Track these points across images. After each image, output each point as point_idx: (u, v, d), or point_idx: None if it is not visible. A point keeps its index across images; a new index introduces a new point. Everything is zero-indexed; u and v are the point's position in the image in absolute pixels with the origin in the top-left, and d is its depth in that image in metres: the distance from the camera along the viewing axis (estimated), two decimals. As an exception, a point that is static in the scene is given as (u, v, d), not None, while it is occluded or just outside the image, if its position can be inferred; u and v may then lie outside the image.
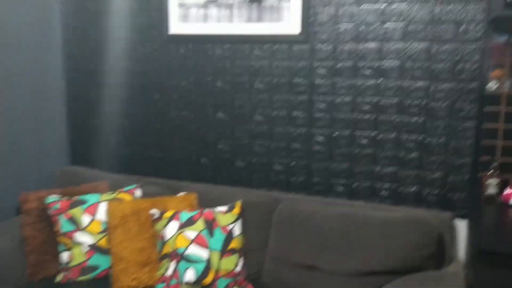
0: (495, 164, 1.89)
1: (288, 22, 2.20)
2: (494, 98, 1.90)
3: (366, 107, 2.13)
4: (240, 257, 2.00)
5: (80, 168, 2.56)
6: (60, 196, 2.11)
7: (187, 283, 1.88)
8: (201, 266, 1.89)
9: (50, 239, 2.09)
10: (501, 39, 1.85)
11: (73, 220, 2.05)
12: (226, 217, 2.02)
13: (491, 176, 1.87)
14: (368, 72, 2.11)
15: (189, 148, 2.52)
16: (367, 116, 2.14)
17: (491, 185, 1.86)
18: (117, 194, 2.14)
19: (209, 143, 2.47)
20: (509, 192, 1.82)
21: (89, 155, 2.75)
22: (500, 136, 1.91)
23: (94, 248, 2.03)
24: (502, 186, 1.86)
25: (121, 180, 2.41)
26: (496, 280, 1.47)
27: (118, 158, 2.68)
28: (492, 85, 1.89)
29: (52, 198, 2.08)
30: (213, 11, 2.33)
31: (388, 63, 2.06)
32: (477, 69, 1.92)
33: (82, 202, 2.08)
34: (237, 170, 2.43)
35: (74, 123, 2.76)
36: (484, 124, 1.93)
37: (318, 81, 2.20)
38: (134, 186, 2.21)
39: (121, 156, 2.67)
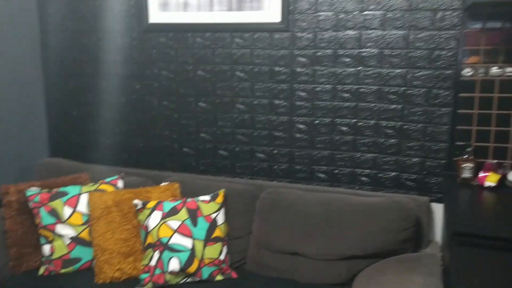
0: (470, 148, 1.94)
1: (269, 10, 2.21)
2: (469, 85, 1.95)
3: (346, 95, 2.16)
4: (224, 245, 2.02)
5: (60, 160, 2.54)
6: (40, 188, 2.09)
7: (171, 272, 1.89)
8: (185, 255, 1.91)
9: (32, 232, 2.07)
10: (476, 26, 1.90)
11: (54, 213, 2.03)
12: (210, 206, 2.03)
13: (466, 160, 1.92)
14: (347, 60, 2.13)
15: (171, 137, 2.51)
16: (347, 104, 2.17)
17: (466, 169, 1.92)
18: (99, 186, 2.13)
19: (191, 132, 2.47)
20: (483, 175, 1.88)
21: (69, 146, 2.72)
22: (475, 122, 1.96)
23: (76, 240, 2.03)
24: (477, 169, 1.91)
25: (103, 171, 2.40)
26: (471, 260, 1.53)
27: (99, 149, 2.66)
28: (467, 72, 1.94)
29: (32, 190, 2.06)
30: (192, -1, 2.32)
31: (367, 51, 2.09)
32: (453, 56, 1.97)
33: (63, 194, 2.06)
34: (220, 159, 2.44)
35: (53, 115, 2.72)
36: (460, 110, 1.98)
37: (299, 69, 2.22)
38: (115, 177, 2.20)
39: (102, 147, 2.65)
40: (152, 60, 2.46)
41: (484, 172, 1.88)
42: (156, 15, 2.40)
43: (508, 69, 1.88)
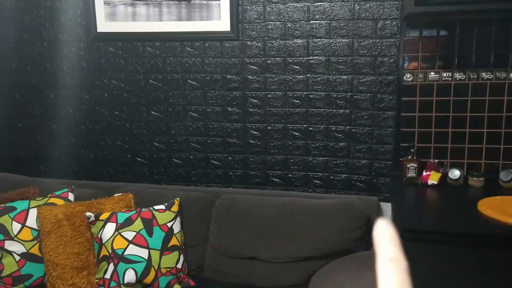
0: (414, 149, 2.03)
1: (218, 20, 2.21)
2: (411, 89, 2.04)
3: (297, 101, 2.20)
4: (180, 254, 1.98)
5: (6, 175, 2.40)
6: (-15, 205, 1.97)
7: (127, 284, 1.83)
8: (141, 266, 1.85)
9: (-24, 251, 1.94)
10: (414, 34, 1.99)
11: (1, 229, 1.91)
12: (165, 215, 1.99)
13: (410, 160, 2.01)
14: (297, 67, 2.17)
15: (123, 147, 2.45)
16: (298, 110, 2.21)
17: (411, 169, 2.00)
18: (48, 199, 2.03)
19: (144, 141, 2.42)
20: (426, 174, 1.97)
21: (15, 160, 2.58)
22: (417, 124, 2.05)
23: (26, 256, 1.92)
24: (421, 169, 2.00)
25: (52, 185, 2.29)
26: (420, 255, 1.59)
27: (48, 162, 2.54)
28: (408, 78, 2.03)
29: (-25, 207, 1.94)
30: (141, 9, 2.28)
31: (315, 59, 2.14)
32: (394, 63, 2.05)
33: (10, 210, 1.95)
34: (174, 167, 2.40)
35: (-3, 127, 2.57)
36: (403, 113, 2.06)
37: (250, 77, 2.23)
38: (65, 190, 2.11)
39: (51, 160, 2.53)
40: (101, 70, 2.39)
41: (427, 171, 1.97)
42: (104, 25, 2.33)
43: (444, 74, 1.99)
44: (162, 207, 2.02)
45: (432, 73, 2.00)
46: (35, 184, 2.27)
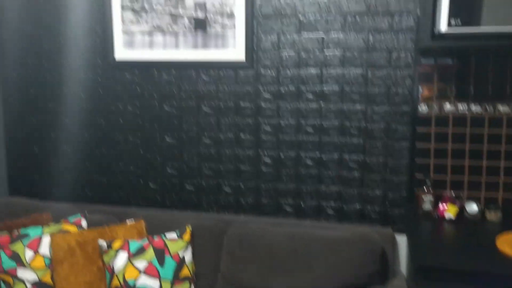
0: (429, 181, 1.97)
1: (233, 49, 2.21)
2: (426, 120, 2.00)
3: (310, 129, 2.17)
4: (191, 284, 1.94)
5: (20, 199, 2.39)
6: (-1, 231, 1.96)
7: (138, 315, 1.79)
8: (152, 296, 1.81)
9: (-12, 277, 1.92)
10: (429, 65, 1.96)
11: (15, 256, 1.90)
12: (177, 244, 1.95)
13: (426, 192, 1.95)
14: (310, 96, 2.15)
15: (137, 172, 2.43)
16: (311, 138, 2.17)
17: (427, 201, 1.94)
18: (61, 226, 2.01)
19: (157, 167, 2.40)
20: (442, 207, 1.91)
21: (30, 184, 2.58)
22: (432, 155, 2.00)
23: (39, 284, 1.89)
24: (437, 201, 1.94)
25: (65, 209, 2.28)
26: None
27: (62, 186, 2.53)
28: (422, 108, 1.99)
29: (-10, 233, 1.93)
30: (158, 38, 2.29)
31: (329, 88, 2.12)
32: (409, 93, 2.02)
33: (23, 236, 1.93)
34: (186, 193, 2.38)
35: (13, 152, 2.58)
36: (418, 144, 2.02)
37: (263, 104, 2.21)
38: (78, 216, 2.09)
39: (65, 184, 2.53)
40: (117, 96, 2.39)
41: (443, 204, 1.92)
42: (121, 52, 2.34)
43: (460, 106, 1.94)
44: (174, 235, 1.98)
45: (448, 104, 1.96)
46: (48, 209, 2.26)
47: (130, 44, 2.33)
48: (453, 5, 1.57)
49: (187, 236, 1.99)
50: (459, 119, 1.96)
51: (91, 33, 2.37)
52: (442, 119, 1.98)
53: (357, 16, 2.04)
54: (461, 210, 1.90)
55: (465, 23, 1.51)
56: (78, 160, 2.50)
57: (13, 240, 1.91)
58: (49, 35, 2.43)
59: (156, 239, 1.95)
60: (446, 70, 1.95)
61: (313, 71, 2.13)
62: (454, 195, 1.95)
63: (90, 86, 2.42)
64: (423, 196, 1.95)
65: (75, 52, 2.41)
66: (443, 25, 1.55)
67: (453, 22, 1.52)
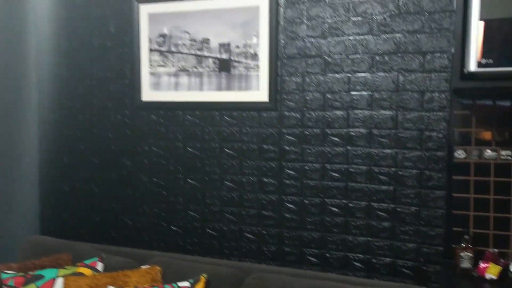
0: (468, 235, 1.77)
1: (257, 90, 2.16)
2: (463, 167, 1.81)
3: (336, 175, 2.04)
4: (203, 338, 1.82)
5: (47, 238, 2.42)
6: (16, 271, 1.96)
7: None
8: None
9: (5, 317, 1.92)
10: (466, 107, 1.80)
11: (28, 298, 1.89)
12: (190, 293, 1.86)
13: (465, 248, 1.74)
14: (336, 139, 2.04)
15: (159, 215, 2.40)
16: (337, 184, 2.04)
17: (465, 258, 1.73)
18: (77, 268, 1.99)
19: (179, 210, 2.35)
20: (483, 266, 1.69)
21: (60, 223, 2.62)
22: (472, 206, 1.80)
23: (49, 328, 1.86)
24: (477, 258, 1.73)
25: (87, 251, 2.27)
26: None
27: (89, 226, 2.55)
28: (459, 154, 1.81)
29: (7, 273, 1.94)
30: (184, 79, 2.30)
31: (356, 131, 2.00)
32: (444, 138, 1.85)
33: (38, 278, 1.93)
34: (208, 238, 2.30)
35: (45, 191, 2.65)
36: (455, 193, 1.83)
37: (287, 147, 2.13)
38: (95, 259, 2.06)
39: (91, 224, 2.54)
40: (143, 137, 2.41)
41: (484, 262, 1.69)
42: (148, 94, 2.38)
43: (503, 152, 1.75)
44: (186, 284, 1.89)
45: (488, 150, 1.77)
46: (71, 249, 2.26)
47: (156, 85, 2.36)
48: (485, 44, 1.44)
49: (200, 285, 1.90)
50: (502, 167, 1.76)
51: (121, 75, 2.43)
52: (482, 167, 1.79)
53: (385, 56, 1.93)
54: (505, 270, 1.66)
55: (498, 63, 1.37)
56: (105, 200, 2.51)
57: (27, 282, 1.91)
58: (83, 78, 2.52)
59: (167, 287, 1.87)
60: (485, 113, 1.77)
61: (339, 113, 2.03)
62: (496, 252, 1.72)
63: (118, 127, 2.46)
64: (461, 253, 1.74)
65: (106, 94, 2.48)
66: (472, 65, 1.41)
67: (484, 61, 1.38)
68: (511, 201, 1.75)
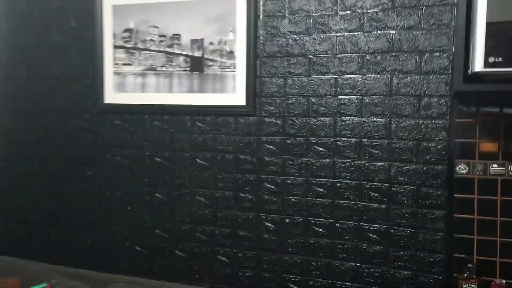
0: (472, 263, 1.57)
1: (233, 93, 1.97)
2: (466, 184, 1.62)
3: (321, 190, 1.85)
4: None
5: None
6: None
7: None
8: None
9: None
10: (469, 115, 1.61)
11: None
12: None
13: (468, 278, 1.55)
14: (321, 149, 1.84)
15: (123, 233, 2.18)
16: (322, 200, 1.85)
17: (469, 290, 1.54)
18: (20, 297, 1.77)
19: (145, 228, 2.14)
20: (490, 300, 1.49)
21: (13, 240, 2.39)
22: (476, 229, 1.61)
23: None
24: (482, 290, 1.53)
25: (41, 272, 2.07)
26: None
27: (44, 244, 2.33)
28: (461, 169, 1.62)
29: None
30: (151, 79, 2.10)
31: (344, 140, 1.80)
32: (443, 150, 1.66)
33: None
34: (176, 260, 2.09)
35: (-3, 202, 2.43)
36: (456, 214, 1.63)
37: (267, 158, 1.93)
38: (43, 285, 1.85)
39: (47, 241, 2.32)
40: (106, 145, 2.20)
41: (491, 295, 1.50)
42: (111, 96, 2.17)
43: (510, 167, 1.56)
44: (146, 317, 1.68)
45: (495, 165, 1.58)
46: (24, 270, 2.06)
47: (121, 86, 2.15)
48: (492, 40, 1.25)
49: (162, 319, 1.69)
50: (510, 184, 1.57)
51: (82, 75, 2.23)
52: (488, 183, 1.60)
53: (377, 55, 1.75)
54: (516, 308, 1.47)
55: (509, 62, 1.18)
56: (63, 216, 2.30)
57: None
58: (40, 78, 2.31)
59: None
60: (492, 121, 1.59)
61: (325, 120, 1.83)
62: (504, 283, 1.53)
63: (78, 133, 2.25)
64: (464, 284, 1.55)
65: (65, 95, 2.27)
66: (478, 64, 1.22)
67: (491, 60, 1.19)
68: (521, 224, 1.56)
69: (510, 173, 1.56)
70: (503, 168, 1.57)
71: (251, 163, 1.95)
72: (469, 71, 1.29)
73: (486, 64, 1.20)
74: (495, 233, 1.59)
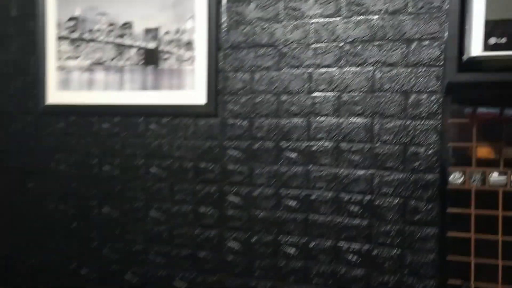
0: (469, 292, 1.35)
1: (192, 90, 1.74)
2: (461, 196, 1.40)
3: (293, 203, 1.62)
4: None
5: None
6: None
7: None
8: None
9: None
10: (465, 115, 1.40)
11: None
12: None
13: (465, 310, 1.32)
14: (293, 155, 1.62)
15: (67, 254, 1.93)
16: (294, 215, 1.62)
17: (466, 325, 1.31)
18: None
19: (92, 247, 1.90)
20: (491, 337, 1.27)
21: None
22: (473, 250, 1.39)
23: None
24: (482, 325, 1.31)
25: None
26: None
27: (-25, 267, 2.07)
28: (456, 178, 1.40)
29: None
30: (99, 75, 1.87)
31: (319, 144, 1.58)
32: (434, 155, 1.45)
33: None
34: (127, 285, 1.84)
35: None
36: (450, 232, 1.42)
37: (231, 166, 1.70)
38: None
39: (-20, 263, 2.07)
40: (49, 151, 1.96)
41: (492, 332, 1.28)
42: (55, 95, 1.94)
43: (515, 176, 1.35)
44: None
45: (495, 173, 1.37)
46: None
47: (65, 83, 1.92)
48: (493, 18, 1.04)
49: None
50: (514, 197, 1.36)
51: (23, 70, 1.99)
52: (486, 196, 1.38)
53: (357, 45, 1.54)
54: None
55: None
56: (0, 233, 2.05)
57: None
58: (-25, 74, 2.08)
59: None
60: (491, 122, 1.38)
61: (297, 121, 1.61)
62: (510, 319, 1.31)
63: (19, 138, 2.01)
64: (460, 317, 1.32)
65: (5, 95, 2.03)
66: (476, 48, 1.01)
67: (493, 41, 0.98)
68: (528, 244, 1.34)
69: (513, 183, 1.35)
70: (505, 177, 1.35)
71: (213, 173, 1.73)
72: (464, 57, 1.08)
73: (486, 47, 0.99)
74: (495, 255, 1.37)
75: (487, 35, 1.00)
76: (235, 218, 1.70)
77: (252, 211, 1.68)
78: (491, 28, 1.01)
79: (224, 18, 1.70)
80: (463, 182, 1.39)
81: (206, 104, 1.73)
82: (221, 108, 1.72)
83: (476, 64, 1.07)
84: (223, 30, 1.70)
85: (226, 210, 1.71)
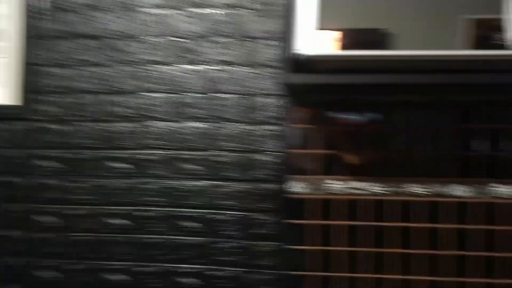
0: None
1: (-5, 86, 1.43)
2: (302, 206, 1.32)
3: (118, 222, 1.39)
4: None
5: None
6: None
7: None
8: None
9: None
10: (305, 118, 1.33)
11: None
12: None
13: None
14: (120, 166, 1.40)
15: None
16: (120, 237, 1.39)
17: None
18: None
19: None
20: None
21: None
22: (320, 264, 1.30)
23: None
24: None
25: None
26: None
27: None
28: (294, 187, 1.32)
29: None
30: None
31: (149, 153, 1.39)
32: (276, 163, 1.35)
33: None
34: None
35: None
36: (289, 245, 1.32)
37: (42, 180, 1.41)
38: None
39: None
40: None
41: None
42: None
43: (353, 184, 1.30)
44: None
45: (335, 182, 1.31)
46: None
47: None
48: (327, 12, 0.97)
49: None
50: (353, 206, 1.31)
51: None
52: (329, 205, 1.32)
53: (194, 40, 1.39)
54: None
55: (349, 44, 0.90)
56: None
57: None
58: None
59: None
60: (336, 128, 1.33)
61: (125, 126, 1.40)
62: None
63: None
64: None
65: None
66: (309, 47, 0.92)
67: (327, 40, 0.90)
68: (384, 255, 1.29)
69: (350, 191, 1.30)
70: (344, 185, 1.30)
71: (19, 189, 1.42)
72: (298, 56, 0.98)
73: (320, 46, 0.90)
74: (344, 267, 1.30)
75: (321, 34, 0.92)
76: (47, 242, 1.40)
77: (69, 234, 1.40)
78: (325, 22, 0.94)
79: (44, 3, 1.43)
80: (302, 192, 1.31)
81: (13, 105, 1.43)
82: (32, 109, 1.43)
83: (311, 64, 0.98)
84: (40, 17, 1.43)
85: (35, 233, 1.41)
